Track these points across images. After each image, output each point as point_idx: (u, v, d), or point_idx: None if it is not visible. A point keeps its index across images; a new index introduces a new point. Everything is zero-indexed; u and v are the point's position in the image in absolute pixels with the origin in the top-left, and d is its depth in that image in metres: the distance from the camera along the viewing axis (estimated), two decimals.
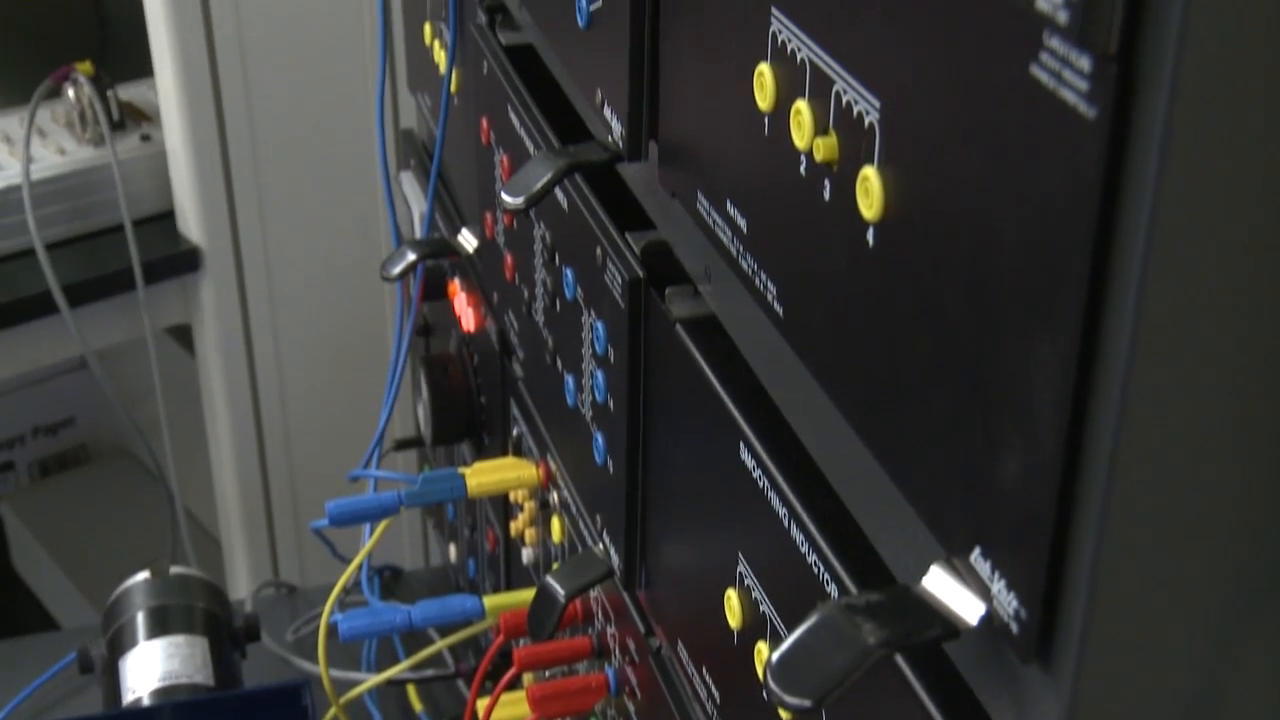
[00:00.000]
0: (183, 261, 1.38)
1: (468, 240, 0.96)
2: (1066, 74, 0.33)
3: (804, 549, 0.50)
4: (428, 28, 1.03)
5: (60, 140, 1.34)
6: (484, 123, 0.87)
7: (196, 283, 1.41)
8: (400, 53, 1.21)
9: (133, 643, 0.96)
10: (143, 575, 1.01)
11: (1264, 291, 0.34)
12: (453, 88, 0.96)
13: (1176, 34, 0.30)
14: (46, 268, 1.27)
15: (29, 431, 2.00)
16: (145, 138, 1.37)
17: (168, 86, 1.32)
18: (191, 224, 1.37)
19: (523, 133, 0.78)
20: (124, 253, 1.33)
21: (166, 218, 1.39)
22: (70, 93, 1.33)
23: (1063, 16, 0.32)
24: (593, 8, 0.64)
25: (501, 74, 0.81)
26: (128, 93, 1.40)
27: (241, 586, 1.54)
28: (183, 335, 1.54)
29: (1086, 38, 0.32)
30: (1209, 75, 0.31)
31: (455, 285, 1.02)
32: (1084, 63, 0.32)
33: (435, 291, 1.06)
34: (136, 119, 1.39)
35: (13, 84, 1.45)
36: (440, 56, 0.99)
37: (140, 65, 1.37)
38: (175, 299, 1.42)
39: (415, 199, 1.13)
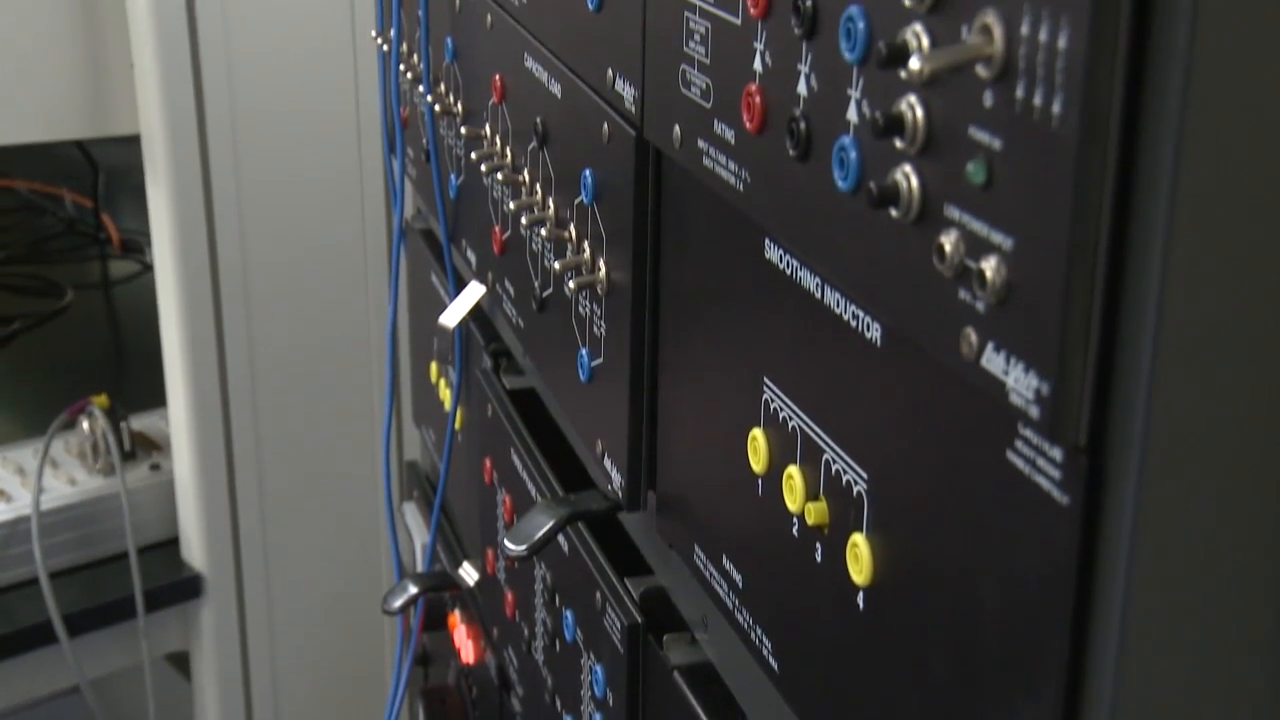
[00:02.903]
0: (185, 589, 1.39)
1: (469, 574, 0.97)
2: (1040, 462, 0.35)
3: None
4: (434, 366, 1.06)
5: (71, 470, 1.37)
6: (487, 463, 0.89)
7: (197, 609, 1.41)
8: (406, 387, 1.25)
9: None
10: None
11: (1242, 651, 0.35)
12: (457, 425, 0.99)
13: (1141, 431, 0.33)
14: (49, 599, 1.28)
15: None
16: (154, 466, 1.39)
17: (179, 418, 1.35)
18: (195, 551, 1.39)
19: (525, 475, 0.80)
20: (126, 580, 1.34)
21: (170, 544, 1.41)
22: (85, 425, 1.36)
23: (1035, 411, 0.34)
24: (594, 364, 0.66)
25: (505, 418, 0.84)
26: (140, 422, 1.43)
27: None
28: (180, 661, 1.53)
29: (1057, 432, 0.34)
30: (1175, 465, 0.33)
31: (456, 617, 1.03)
32: (1056, 453, 0.34)
33: (435, 621, 1.06)
34: (147, 448, 1.42)
35: (31, 416, 1.48)
36: (445, 395, 1.02)
37: (154, 395, 1.41)
38: (175, 625, 1.42)
39: (418, 530, 1.14)
